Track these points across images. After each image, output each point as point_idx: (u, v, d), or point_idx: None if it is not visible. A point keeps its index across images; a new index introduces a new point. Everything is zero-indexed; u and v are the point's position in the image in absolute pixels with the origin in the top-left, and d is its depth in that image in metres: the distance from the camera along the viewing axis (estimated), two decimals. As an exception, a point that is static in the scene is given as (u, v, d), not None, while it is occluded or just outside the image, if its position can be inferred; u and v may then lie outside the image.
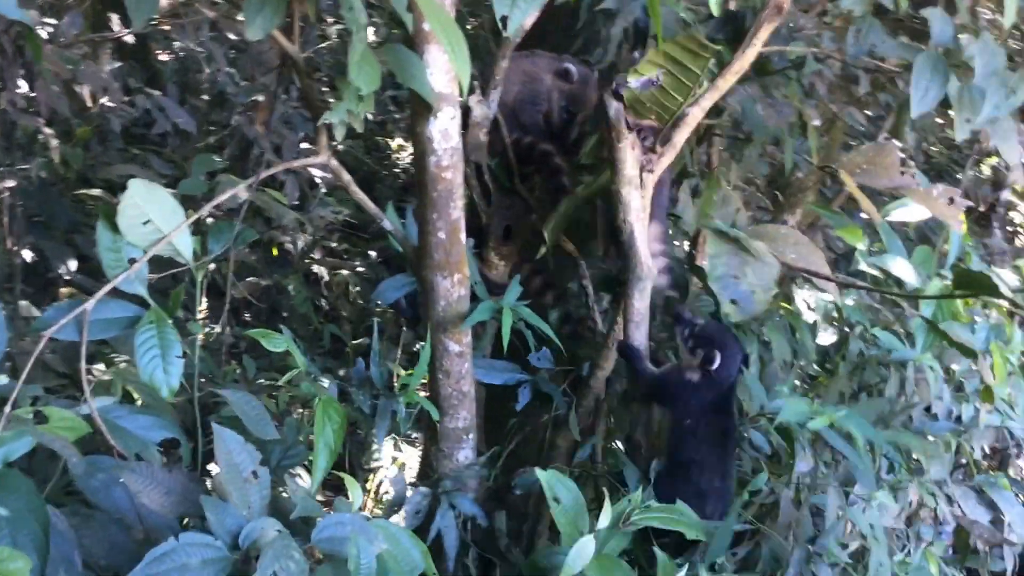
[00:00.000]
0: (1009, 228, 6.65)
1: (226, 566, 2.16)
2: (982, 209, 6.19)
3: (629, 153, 2.90)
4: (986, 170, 7.32)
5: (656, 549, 2.64)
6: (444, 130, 2.80)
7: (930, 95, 2.95)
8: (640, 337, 3.04)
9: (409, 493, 3.10)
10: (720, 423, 3.02)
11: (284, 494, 2.63)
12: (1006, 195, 5.84)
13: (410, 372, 3.02)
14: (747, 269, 3.12)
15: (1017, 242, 6.77)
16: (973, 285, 2.86)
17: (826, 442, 3.07)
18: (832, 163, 4.67)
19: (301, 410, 6.19)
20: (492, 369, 3.28)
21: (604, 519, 2.54)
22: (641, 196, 2.97)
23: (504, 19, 2.20)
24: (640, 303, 3.00)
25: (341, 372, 6.63)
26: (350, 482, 2.50)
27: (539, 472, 2.66)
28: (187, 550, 2.12)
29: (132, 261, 2.56)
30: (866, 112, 5.92)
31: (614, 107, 2.86)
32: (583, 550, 2.44)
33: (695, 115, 3.00)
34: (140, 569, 2.07)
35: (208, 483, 2.64)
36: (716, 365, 2.90)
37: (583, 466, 3.34)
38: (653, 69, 2.80)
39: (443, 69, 2.76)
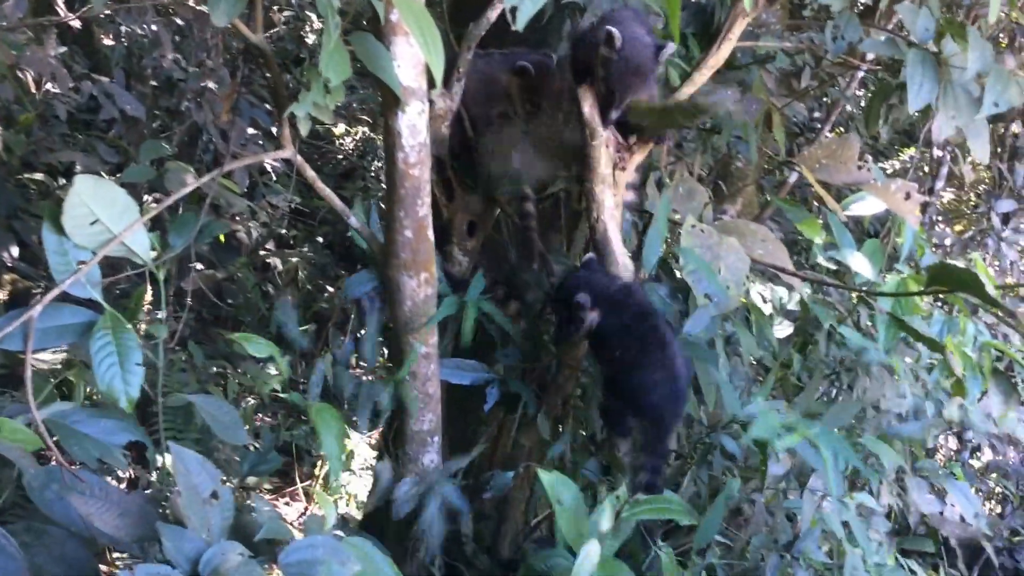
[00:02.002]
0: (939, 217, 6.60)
1: (184, 596, 1.90)
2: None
3: (603, 151, 2.69)
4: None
5: (663, 555, 2.46)
6: (412, 125, 2.56)
7: (924, 90, 2.80)
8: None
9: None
10: (652, 337, 2.72)
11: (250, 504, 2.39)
12: (940, 185, 5.75)
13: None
14: (720, 264, 2.92)
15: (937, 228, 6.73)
16: (952, 281, 2.67)
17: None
18: (780, 155, 4.55)
19: (251, 399, 5.95)
20: (459, 369, 3.04)
21: (605, 522, 2.35)
22: (614, 194, 2.75)
23: (514, 11, 1.95)
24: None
25: (288, 359, 6.37)
26: (322, 499, 2.25)
27: (542, 473, 2.43)
28: (143, 583, 1.85)
29: (83, 263, 2.25)
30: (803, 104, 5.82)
31: (588, 104, 2.64)
32: (590, 555, 2.24)
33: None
34: None
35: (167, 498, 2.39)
36: (588, 321, 2.68)
37: (553, 464, 3.13)
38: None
39: (411, 62, 2.53)
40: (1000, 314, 2.87)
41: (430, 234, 2.75)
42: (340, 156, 9.21)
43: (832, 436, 2.74)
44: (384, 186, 2.74)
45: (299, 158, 2.64)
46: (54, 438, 2.22)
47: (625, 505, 2.44)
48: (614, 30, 2.64)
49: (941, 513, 3.80)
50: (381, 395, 2.76)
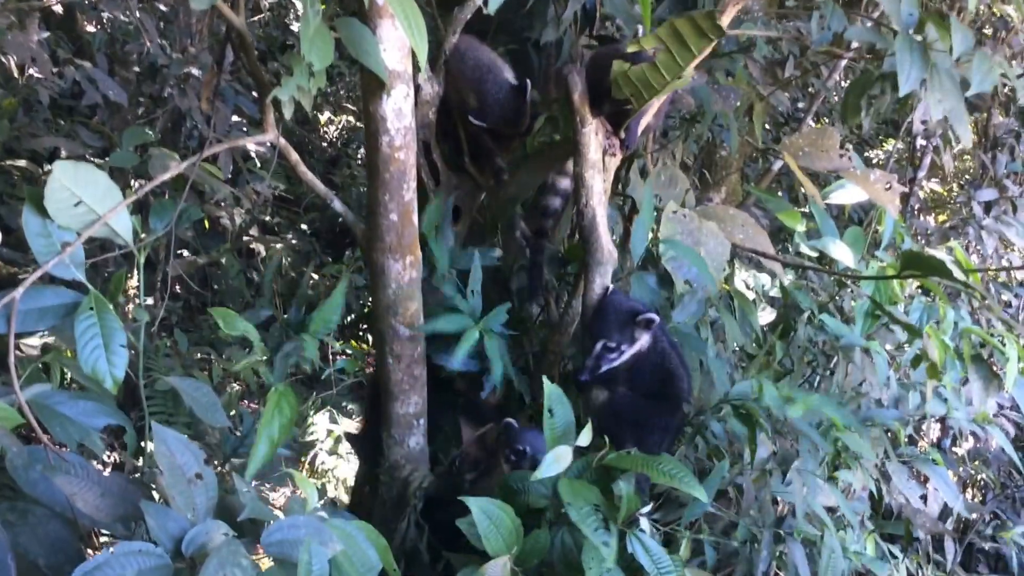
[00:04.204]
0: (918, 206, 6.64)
1: (167, 574, 1.89)
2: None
3: (592, 138, 2.70)
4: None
5: (621, 483, 2.41)
6: (398, 109, 2.57)
7: (913, 75, 2.81)
8: (600, 322, 2.82)
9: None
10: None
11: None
12: (922, 175, 5.78)
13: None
14: (700, 249, 2.93)
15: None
16: (923, 267, 2.70)
17: (778, 428, 2.94)
18: (761, 145, 4.57)
19: (235, 384, 5.94)
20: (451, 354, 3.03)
21: (583, 438, 2.38)
22: (603, 180, 2.77)
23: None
24: (600, 288, 2.79)
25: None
26: (303, 481, 2.25)
27: (545, 381, 2.48)
28: (122, 560, 1.84)
29: (67, 245, 2.25)
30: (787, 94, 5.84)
31: (578, 91, 2.65)
32: (561, 456, 2.31)
33: (659, 99, 2.80)
34: None
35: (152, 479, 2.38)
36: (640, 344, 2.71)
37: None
38: (653, 43, 2.54)
39: (396, 45, 2.53)
40: (975, 296, 2.90)
41: (415, 219, 2.76)
42: (326, 143, 9.21)
43: (833, 403, 2.78)
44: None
45: (282, 141, 2.64)
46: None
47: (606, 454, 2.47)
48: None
49: (923, 498, 3.82)
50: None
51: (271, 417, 2.44)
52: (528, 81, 3.12)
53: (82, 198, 2.24)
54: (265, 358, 2.64)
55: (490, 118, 3.12)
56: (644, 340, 2.73)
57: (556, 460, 2.31)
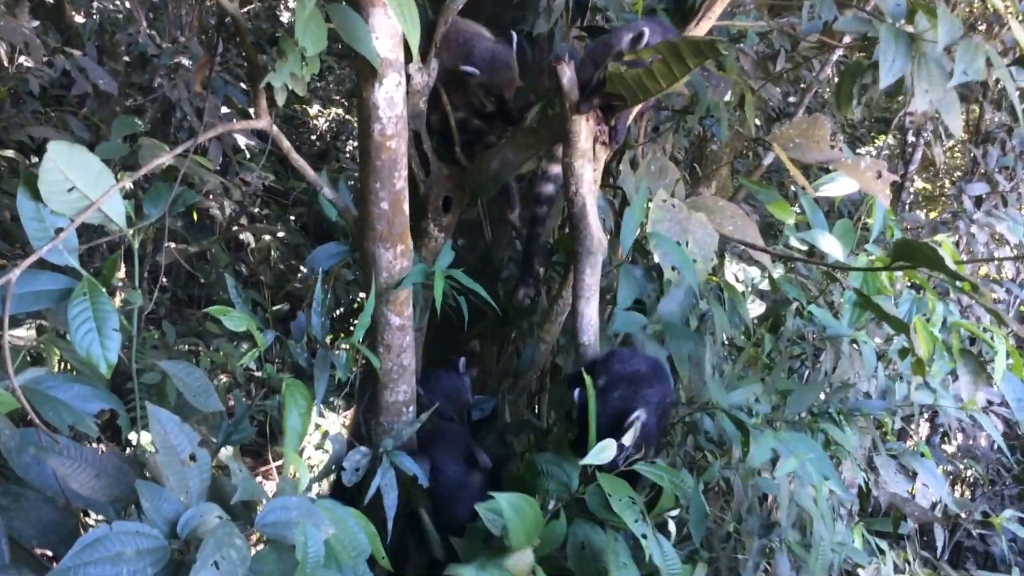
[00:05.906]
0: (909, 202, 6.70)
1: (163, 556, 1.92)
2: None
3: (583, 125, 2.73)
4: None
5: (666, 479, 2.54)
6: (389, 97, 2.60)
7: (896, 66, 2.85)
8: (591, 313, 2.86)
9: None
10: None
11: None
12: (913, 168, 5.85)
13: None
14: (688, 238, 2.97)
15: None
16: (915, 257, 2.74)
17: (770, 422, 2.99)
18: (752, 136, 4.62)
19: (223, 376, 5.97)
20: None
21: (628, 438, 2.49)
22: (594, 169, 2.80)
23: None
24: (591, 278, 2.83)
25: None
26: (295, 460, 2.29)
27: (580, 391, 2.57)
28: (121, 539, 1.87)
29: (60, 230, 2.27)
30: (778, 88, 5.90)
31: (567, 77, 2.68)
32: (607, 447, 2.41)
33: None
34: (69, 558, 1.81)
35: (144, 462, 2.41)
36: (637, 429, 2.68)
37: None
38: (651, 55, 2.58)
39: (388, 34, 2.56)
40: (964, 289, 2.94)
41: (406, 207, 2.79)
42: (314, 137, 9.25)
43: (824, 464, 2.83)
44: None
45: (275, 128, 2.67)
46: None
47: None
48: (645, 29, 2.72)
49: (911, 492, 3.88)
50: (337, 359, 2.78)
51: (290, 410, 2.48)
52: (514, 33, 3.17)
53: (75, 183, 2.25)
54: (262, 349, 2.66)
55: (482, 70, 3.17)
56: (643, 417, 2.65)
57: (602, 450, 2.39)
